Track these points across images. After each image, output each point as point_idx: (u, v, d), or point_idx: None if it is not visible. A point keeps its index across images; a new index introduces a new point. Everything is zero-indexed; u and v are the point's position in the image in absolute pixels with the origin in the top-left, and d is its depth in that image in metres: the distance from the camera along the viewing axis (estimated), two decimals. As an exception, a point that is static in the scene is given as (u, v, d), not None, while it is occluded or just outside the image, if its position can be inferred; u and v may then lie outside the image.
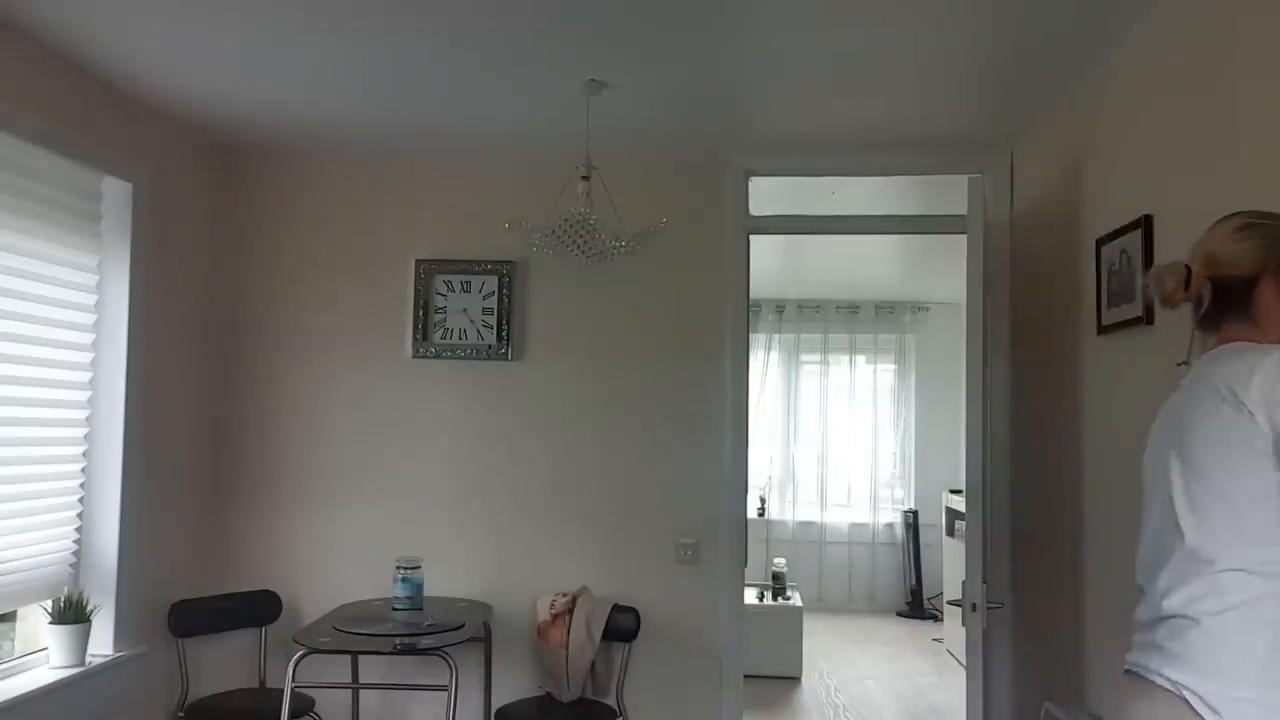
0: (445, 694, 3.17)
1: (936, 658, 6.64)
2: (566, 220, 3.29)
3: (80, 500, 3.32)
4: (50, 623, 3.15)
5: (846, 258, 6.52)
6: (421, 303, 3.98)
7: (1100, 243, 2.80)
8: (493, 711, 3.69)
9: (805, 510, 8.23)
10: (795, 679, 5.94)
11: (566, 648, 3.63)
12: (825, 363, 8.28)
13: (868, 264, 6.77)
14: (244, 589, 3.92)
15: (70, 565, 3.28)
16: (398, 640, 3.24)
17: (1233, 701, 1.35)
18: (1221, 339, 1.63)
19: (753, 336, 7.58)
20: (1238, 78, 2.10)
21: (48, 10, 2.70)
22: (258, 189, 4.08)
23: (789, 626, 6.01)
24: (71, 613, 3.17)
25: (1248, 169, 2.08)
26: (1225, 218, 1.63)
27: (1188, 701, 1.38)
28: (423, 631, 3.29)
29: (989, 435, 3.59)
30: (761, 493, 8.12)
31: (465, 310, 3.98)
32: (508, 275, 3.95)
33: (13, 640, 3.26)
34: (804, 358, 8.29)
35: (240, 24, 2.78)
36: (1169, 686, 1.41)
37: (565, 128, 3.53)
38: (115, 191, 3.38)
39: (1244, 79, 2.09)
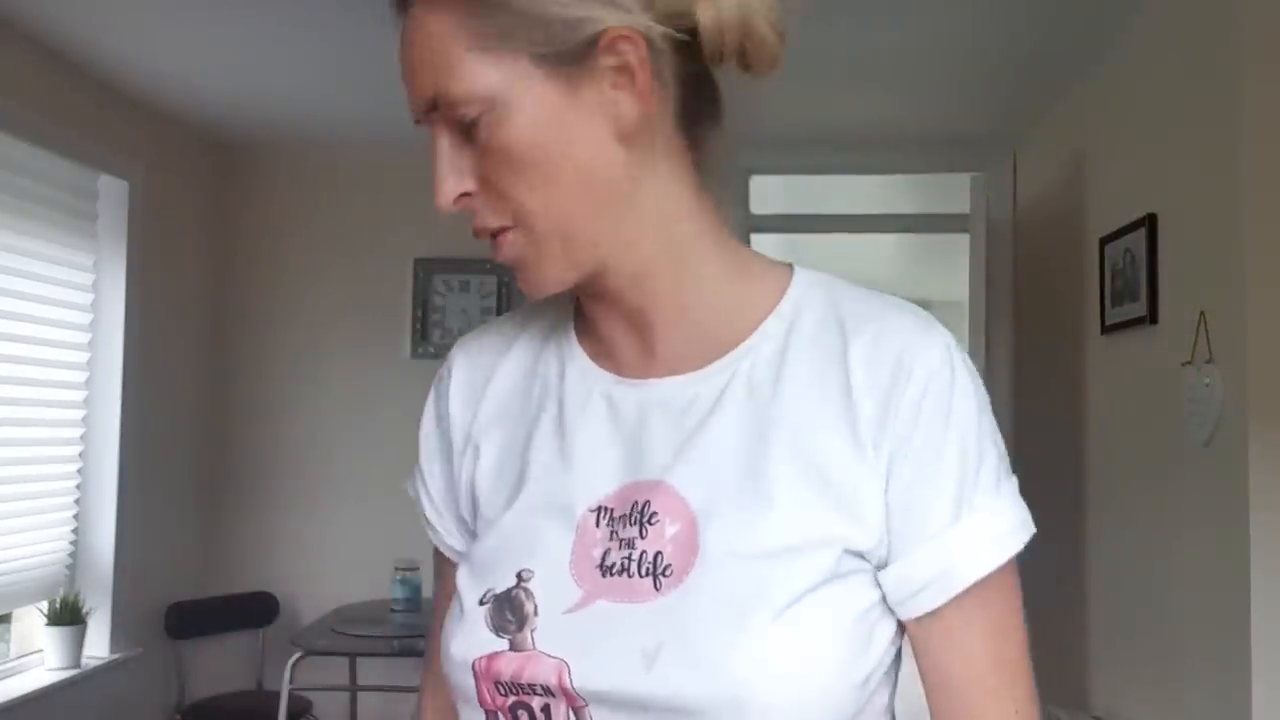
0: (443, 696, 3.15)
1: (938, 659, 6.61)
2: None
3: (76, 501, 3.30)
4: (46, 624, 3.13)
5: (848, 256, 6.49)
6: (420, 303, 3.95)
7: (1104, 242, 2.77)
8: (491, 714, 3.66)
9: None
10: (796, 680, 5.90)
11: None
12: (827, 362, 8.24)
13: (869, 263, 6.74)
14: (241, 590, 3.89)
15: (66, 566, 3.26)
16: (396, 642, 3.22)
17: None
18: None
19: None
20: (1241, 76, 2.08)
21: (43, 8, 2.68)
22: (255, 187, 4.05)
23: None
24: (67, 614, 3.14)
25: (1251, 167, 2.06)
26: None
27: None
28: (421, 634, 3.27)
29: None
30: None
31: (464, 310, 3.96)
32: (507, 275, 3.93)
33: (8, 642, 3.24)
34: (805, 357, 8.24)
35: (237, 21, 2.75)
36: None
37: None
38: (111, 190, 3.36)
39: (1247, 77, 2.07)
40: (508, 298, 3.92)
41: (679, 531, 0.68)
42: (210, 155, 3.95)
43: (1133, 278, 2.58)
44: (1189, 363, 2.26)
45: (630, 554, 0.69)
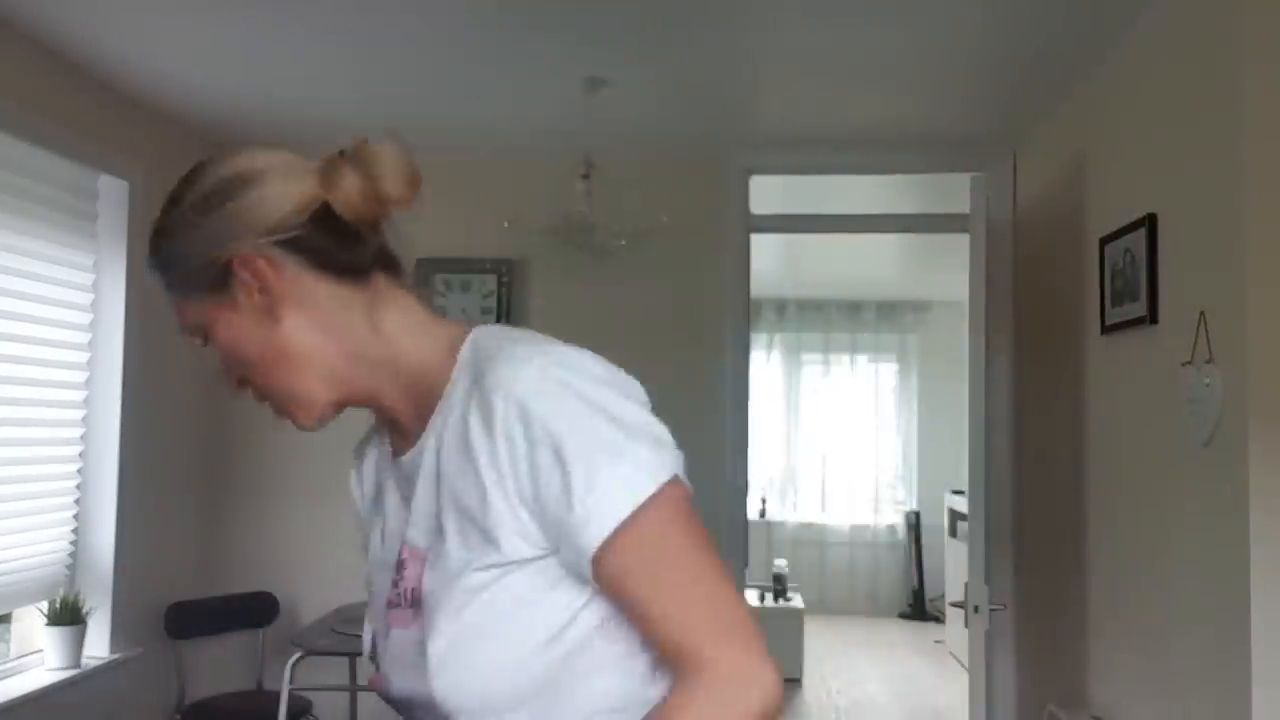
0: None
1: (939, 660, 6.62)
2: (566, 220, 3.27)
3: (76, 501, 3.30)
4: (46, 624, 3.13)
5: (848, 256, 6.50)
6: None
7: (1104, 242, 2.77)
8: (491, 714, 3.66)
9: (806, 511, 8.21)
10: (796, 681, 5.91)
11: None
12: (827, 362, 8.26)
13: (870, 263, 6.74)
14: (241, 590, 3.89)
15: (66, 566, 3.26)
16: (395, 642, 3.22)
17: None
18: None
19: (753, 335, 7.56)
20: (1241, 75, 2.08)
21: (43, 8, 2.68)
22: (256, 188, 4.05)
23: (790, 628, 5.99)
24: (67, 614, 3.15)
25: (1252, 167, 2.05)
26: None
27: None
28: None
29: (991, 435, 3.56)
30: (762, 493, 8.10)
31: (464, 310, 3.95)
32: (507, 275, 3.93)
33: (8, 642, 3.24)
34: (805, 357, 8.26)
35: (237, 21, 2.76)
36: None
37: (565, 125, 3.51)
38: (111, 190, 3.36)
39: (1248, 77, 2.07)
40: (508, 298, 3.93)
41: (418, 570, 0.93)
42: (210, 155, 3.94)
43: (1133, 278, 2.58)
44: (1189, 362, 2.26)
45: (400, 590, 0.95)
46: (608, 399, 0.87)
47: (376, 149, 0.96)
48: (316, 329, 0.94)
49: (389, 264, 1.01)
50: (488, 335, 0.95)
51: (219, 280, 0.93)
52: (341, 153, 0.95)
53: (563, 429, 0.84)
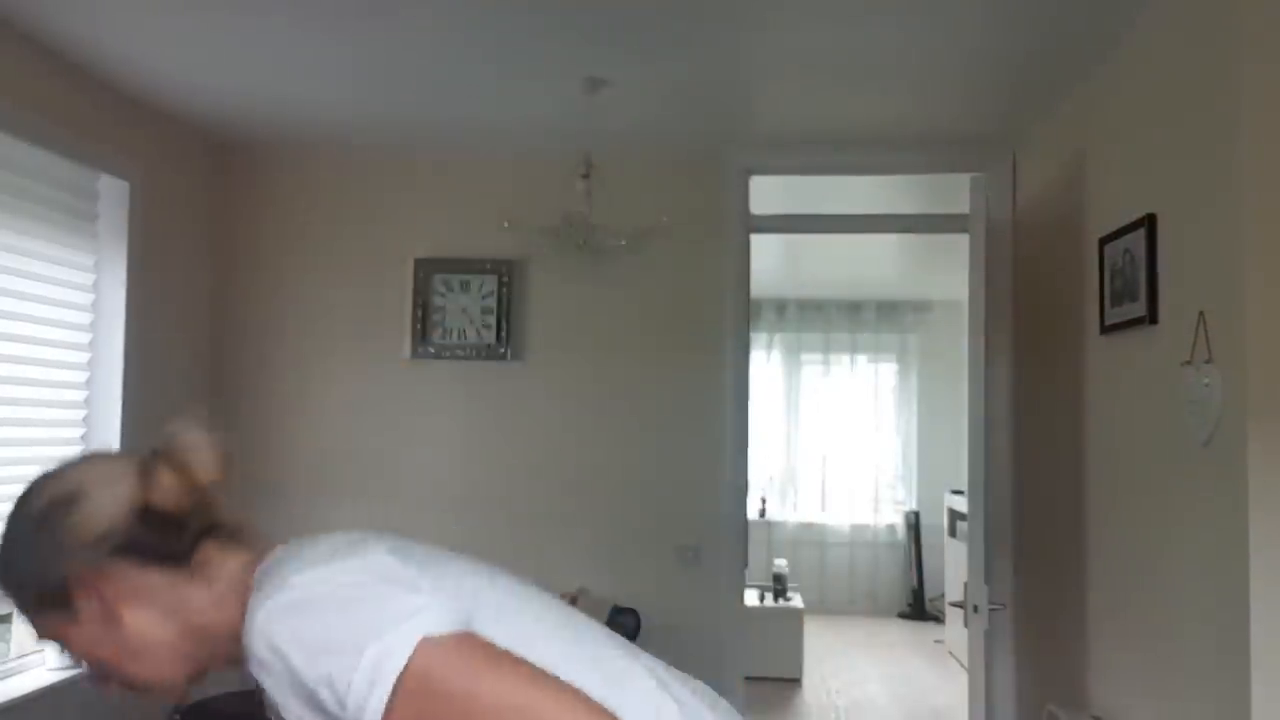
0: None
1: (938, 660, 6.62)
2: (566, 220, 3.28)
3: (76, 501, 3.29)
4: (46, 624, 3.13)
5: (848, 257, 6.50)
6: (420, 303, 3.95)
7: (1103, 242, 2.77)
8: (491, 714, 3.66)
9: (806, 511, 8.21)
10: (796, 681, 5.92)
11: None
12: (826, 362, 8.26)
13: (869, 263, 6.75)
14: (242, 590, 3.89)
15: (66, 566, 3.25)
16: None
17: None
18: None
19: (753, 335, 7.56)
20: (1240, 76, 2.08)
21: (43, 8, 2.68)
22: (255, 187, 4.06)
23: (790, 628, 5.99)
24: (67, 614, 3.14)
25: (1251, 167, 2.06)
26: None
27: None
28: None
29: (991, 435, 3.56)
30: (762, 493, 8.10)
31: (464, 310, 3.96)
32: (507, 275, 3.93)
33: (8, 642, 3.24)
34: (805, 357, 8.26)
35: (237, 21, 2.76)
36: None
37: (565, 125, 3.51)
38: (111, 190, 3.36)
39: (1247, 77, 2.07)
40: (507, 298, 3.92)
41: None
42: (210, 155, 3.95)
43: (1132, 278, 2.58)
44: (1188, 362, 2.27)
45: None
46: (332, 616, 0.93)
47: (185, 441, 1.08)
48: (156, 619, 1.03)
49: (216, 531, 1.10)
50: (259, 576, 1.02)
51: (60, 599, 1.01)
52: (154, 451, 1.06)
53: (298, 660, 0.92)
